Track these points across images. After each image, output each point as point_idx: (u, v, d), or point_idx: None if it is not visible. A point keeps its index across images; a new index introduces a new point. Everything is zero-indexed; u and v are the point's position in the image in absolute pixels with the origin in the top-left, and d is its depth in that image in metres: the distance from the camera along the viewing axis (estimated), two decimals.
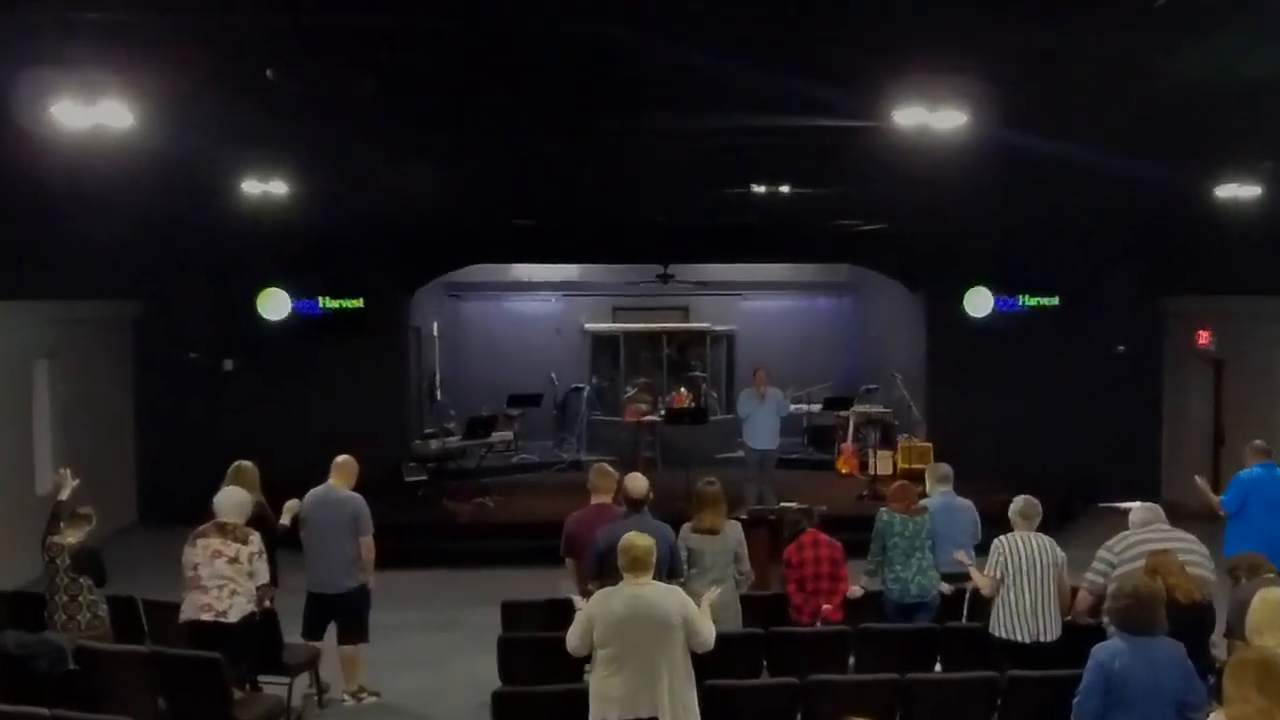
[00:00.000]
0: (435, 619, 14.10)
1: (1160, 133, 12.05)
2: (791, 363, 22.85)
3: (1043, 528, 9.66)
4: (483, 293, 25.21)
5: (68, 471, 10.42)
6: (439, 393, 23.32)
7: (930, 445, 20.10)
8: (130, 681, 9.00)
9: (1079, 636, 8.70)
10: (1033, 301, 21.04)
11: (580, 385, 23.75)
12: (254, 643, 9.74)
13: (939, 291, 21.41)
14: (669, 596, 7.66)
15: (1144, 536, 8.93)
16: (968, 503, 11.23)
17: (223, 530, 9.56)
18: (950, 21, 8.59)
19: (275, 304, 19.90)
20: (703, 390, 23.39)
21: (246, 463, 10.97)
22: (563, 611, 9.21)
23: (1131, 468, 19.91)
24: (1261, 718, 5.63)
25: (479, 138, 13.08)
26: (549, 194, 17.40)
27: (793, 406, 20.40)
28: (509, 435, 21.84)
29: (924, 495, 11.19)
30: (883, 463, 19.94)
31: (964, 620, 10.40)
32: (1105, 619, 7.91)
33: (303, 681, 10.77)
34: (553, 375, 23.70)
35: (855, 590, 10.61)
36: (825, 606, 10.30)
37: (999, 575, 9.34)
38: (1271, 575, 8.54)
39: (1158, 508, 9.31)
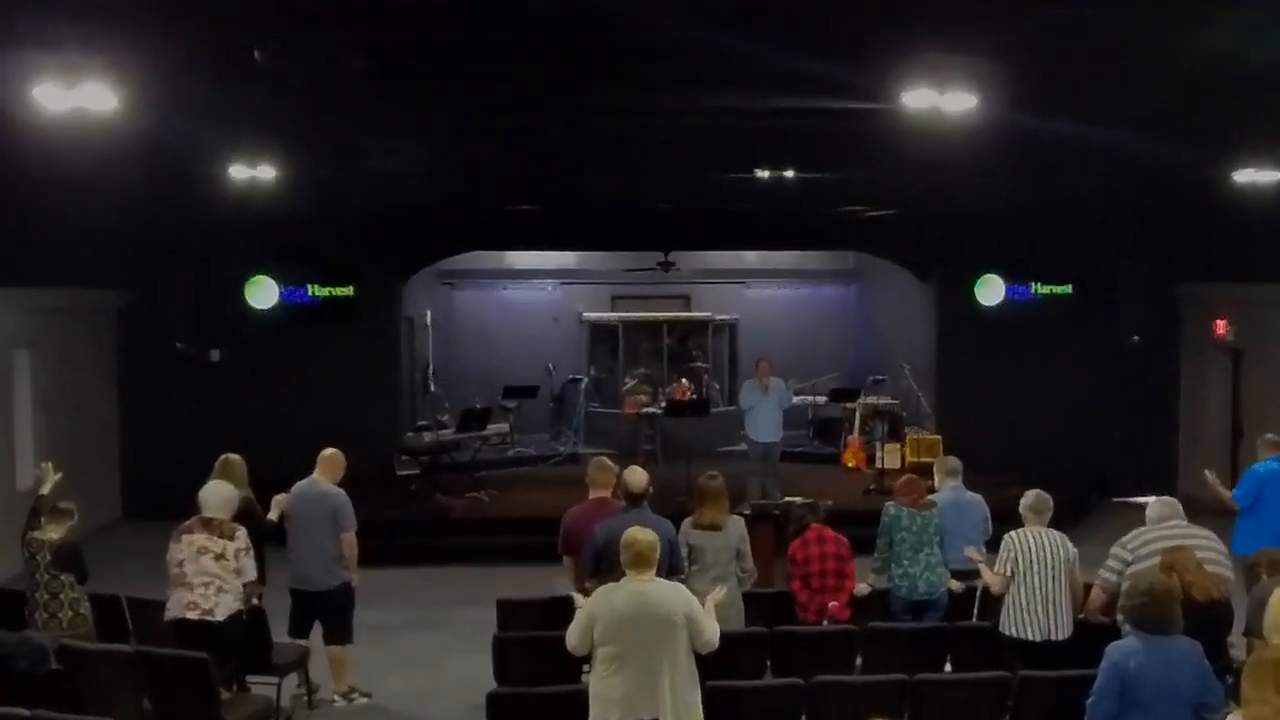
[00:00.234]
0: (428, 617, 14.11)
1: (1177, 115, 12.03)
2: (796, 353, 22.87)
3: (1056, 523, 9.66)
4: (477, 281, 25.18)
5: (49, 465, 10.41)
6: (432, 384, 23.30)
7: (939, 438, 20.05)
8: (114, 682, 9.00)
9: (1092, 635, 8.70)
10: (1045, 290, 21.03)
11: (578, 376, 23.73)
12: (241, 642, 9.74)
13: (948, 279, 21.40)
14: (673, 594, 7.66)
15: (1159, 533, 8.92)
16: (978, 497, 11.23)
17: (208, 526, 9.55)
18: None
19: (263, 292, 19.90)
20: (704, 382, 23.36)
21: (234, 456, 10.99)
22: (560, 610, 9.22)
23: (1147, 461, 19.92)
24: None
25: (474, 119, 13.05)
26: (546, 178, 17.40)
27: (797, 398, 20.43)
28: (504, 428, 21.79)
29: (932, 490, 11.20)
30: (890, 456, 19.90)
31: (974, 619, 10.41)
32: (1119, 617, 7.91)
33: (292, 681, 10.77)
34: (549, 366, 23.67)
35: (862, 588, 10.61)
36: (831, 604, 10.29)
37: (1009, 572, 9.34)
38: None
39: (1175, 502, 9.28)
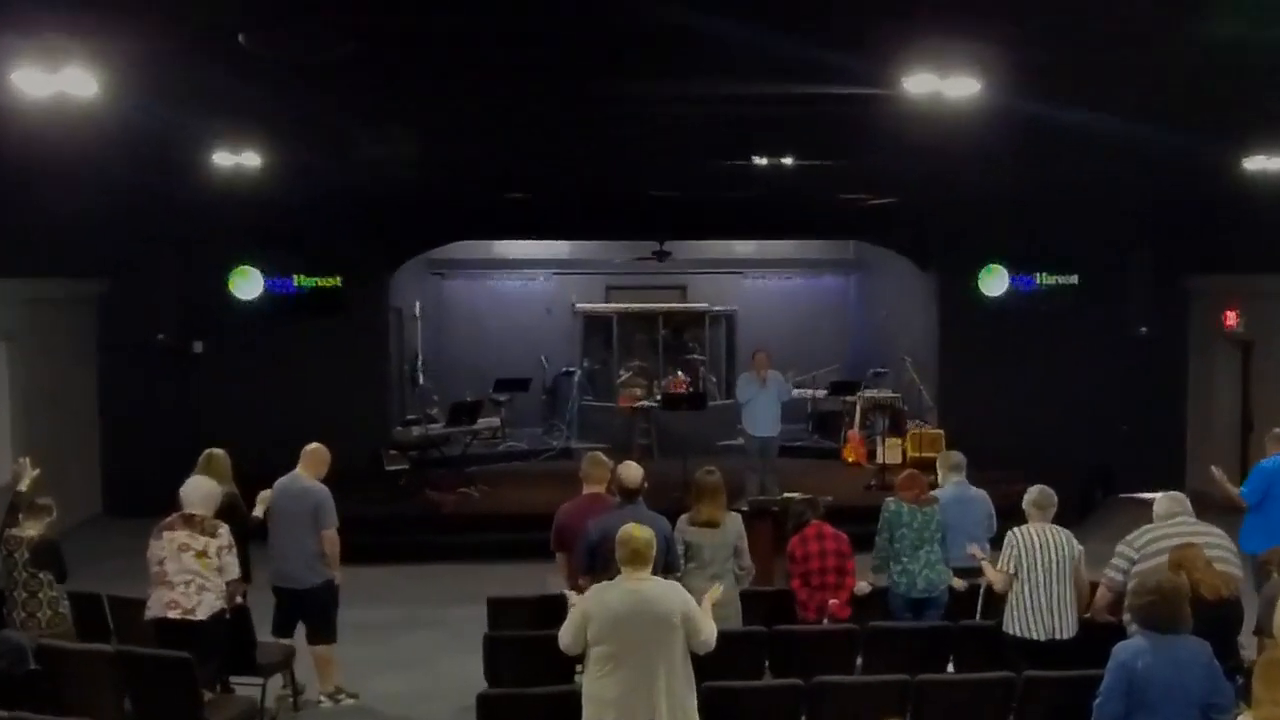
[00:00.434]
0: (417, 616, 14.10)
1: (1185, 100, 12.02)
2: (795, 345, 22.91)
3: (1062, 519, 9.66)
4: (468, 271, 25.20)
5: (27, 460, 10.41)
6: (421, 377, 23.31)
7: (941, 432, 20.11)
8: (95, 682, 8.98)
9: (1097, 635, 8.70)
10: (1050, 280, 21.03)
11: (571, 369, 23.74)
12: (224, 641, 9.71)
13: (951, 269, 21.39)
14: (670, 593, 7.65)
15: (1166, 531, 8.89)
16: (982, 493, 11.24)
17: (189, 523, 9.52)
18: None
19: (248, 283, 19.86)
20: (701, 374, 23.40)
21: (218, 451, 10.98)
22: (552, 608, 9.23)
23: (1154, 456, 19.92)
24: None
25: (464, 105, 13.03)
26: (538, 165, 17.35)
27: (796, 392, 20.42)
28: (495, 422, 21.80)
29: (935, 485, 11.20)
30: (891, 451, 19.94)
31: (978, 618, 10.42)
32: (1126, 616, 7.91)
33: (277, 682, 10.76)
34: (542, 358, 23.70)
35: (863, 586, 10.61)
36: (831, 602, 10.30)
37: (1012, 569, 9.34)
38: None
39: (1182, 497, 9.25)
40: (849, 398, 21.66)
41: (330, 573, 11.00)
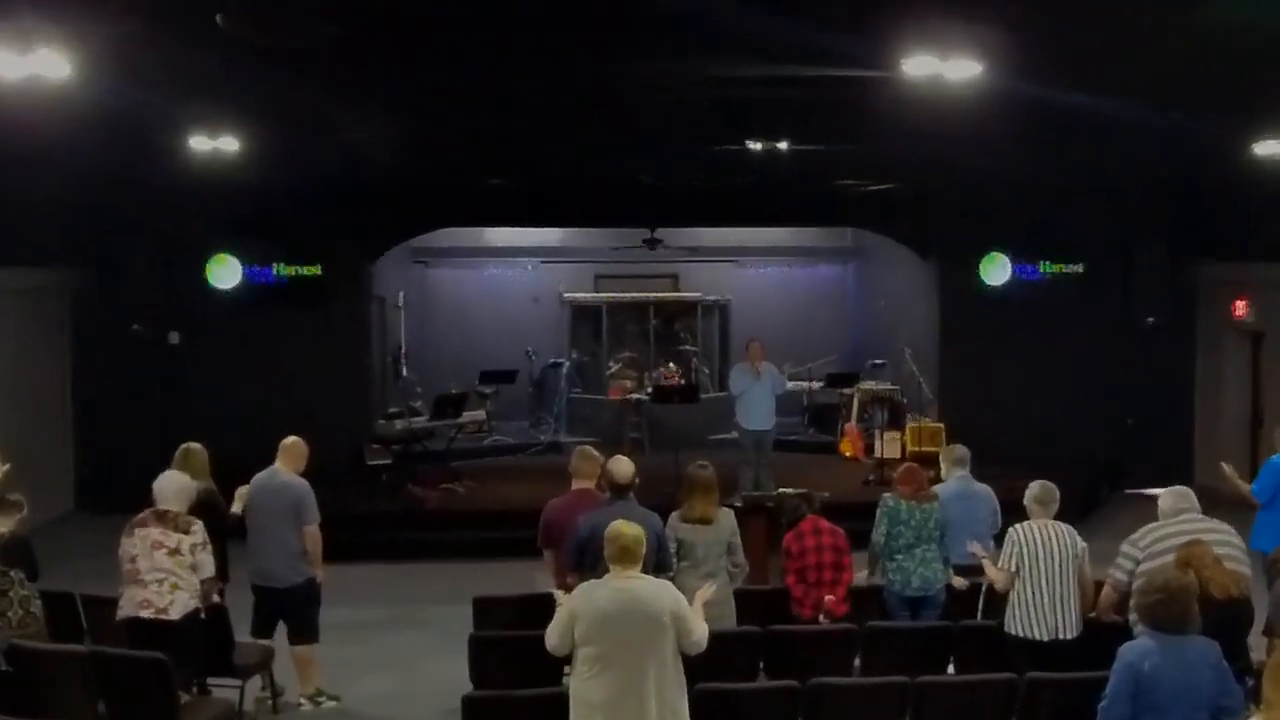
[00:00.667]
0: (400, 616, 14.10)
1: (1193, 84, 12.02)
2: (791, 336, 22.86)
3: (1066, 516, 9.66)
4: (452, 259, 25.17)
5: None
6: (404, 368, 23.30)
7: (942, 426, 20.10)
8: (67, 684, 8.95)
9: (1103, 635, 8.70)
10: (1055, 269, 21.05)
11: (559, 360, 23.72)
12: (200, 641, 9.68)
13: (952, 258, 21.38)
14: (660, 591, 7.63)
15: (1172, 529, 8.86)
16: (986, 489, 11.25)
17: (162, 519, 9.49)
18: None
19: (225, 272, 19.86)
20: (693, 366, 23.40)
21: (195, 445, 10.94)
22: (540, 607, 9.21)
23: (1161, 450, 19.90)
24: None
25: (449, 88, 13.02)
26: (525, 150, 17.34)
27: (791, 384, 20.42)
28: (481, 415, 21.75)
29: (937, 480, 11.19)
30: (890, 445, 19.92)
31: (979, 617, 10.41)
32: (1132, 616, 7.91)
33: (255, 684, 10.74)
34: (529, 349, 23.65)
35: (862, 575, 10.64)
36: (828, 597, 10.29)
37: (1013, 567, 9.33)
38: None
39: (1189, 493, 9.23)
40: (846, 390, 21.64)
41: (312, 571, 10.96)
